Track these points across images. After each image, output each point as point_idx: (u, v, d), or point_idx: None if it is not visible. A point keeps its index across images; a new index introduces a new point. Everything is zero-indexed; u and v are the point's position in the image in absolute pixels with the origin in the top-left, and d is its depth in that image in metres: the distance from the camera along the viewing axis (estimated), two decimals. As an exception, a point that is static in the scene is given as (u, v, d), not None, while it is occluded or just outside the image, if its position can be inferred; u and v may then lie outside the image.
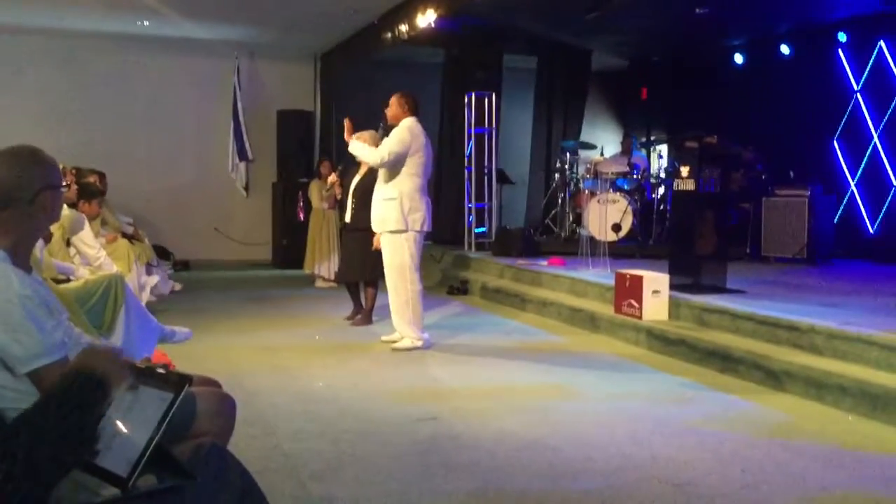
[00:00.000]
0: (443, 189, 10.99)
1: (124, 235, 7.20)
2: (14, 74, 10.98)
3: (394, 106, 6.02)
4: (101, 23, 10.46)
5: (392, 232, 5.91)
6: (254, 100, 11.98)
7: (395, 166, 5.84)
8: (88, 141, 10.87)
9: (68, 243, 5.38)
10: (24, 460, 1.25)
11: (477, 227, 10.14)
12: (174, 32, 10.70)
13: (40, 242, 4.27)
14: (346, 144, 6.23)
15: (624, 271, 6.49)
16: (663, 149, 11.34)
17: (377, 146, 5.99)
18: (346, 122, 6.27)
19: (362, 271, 6.83)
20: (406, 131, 5.88)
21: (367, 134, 6.36)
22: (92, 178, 7.45)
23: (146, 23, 10.33)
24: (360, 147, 6.05)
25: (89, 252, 5.42)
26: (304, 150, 11.94)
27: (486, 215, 10.32)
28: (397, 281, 5.94)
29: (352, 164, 7.05)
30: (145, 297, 6.12)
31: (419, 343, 5.95)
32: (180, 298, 7.73)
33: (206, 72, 11.79)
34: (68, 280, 4.61)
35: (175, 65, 11.65)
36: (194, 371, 3.28)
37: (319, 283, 9.53)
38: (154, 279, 6.80)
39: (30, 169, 2.19)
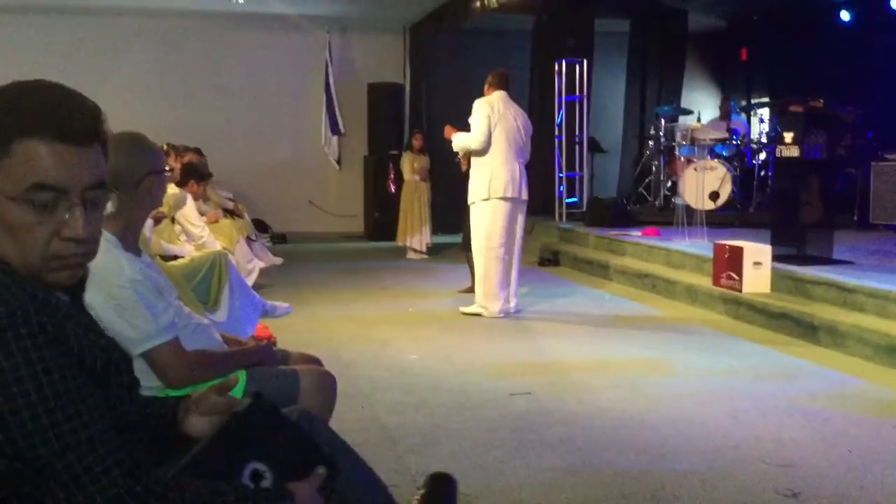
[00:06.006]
0: (533, 159, 10.82)
1: (225, 211, 7.43)
2: (114, 56, 11.39)
3: (485, 88, 6.29)
4: (197, 2, 10.74)
5: (474, 203, 6.14)
6: (345, 74, 12.10)
7: (489, 142, 6.05)
8: (187, 119, 11.22)
9: (173, 220, 5.59)
10: None
11: (568, 197, 10.01)
12: (268, 10, 10.90)
13: (149, 222, 4.46)
14: (437, 117, 6.32)
15: (723, 242, 6.30)
16: (764, 112, 10.89)
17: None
18: (447, 128, 6.50)
19: (463, 240, 7.00)
20: (479, 108, 6.09)
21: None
22: (189, 156, 7.69)
23: (241, 1, 10.54)
24: (461, 138, 6.20)
25: (193, 230, 5.63)
26: (395, 123, 12.02)
27: (577, 185, 10.18)
28: (477, 249, 6.16)
29: None
30: (252, 279, 6.30)
31: (484, 312, 6.09)
32: (278, 271, 7.94)
33: (299, 48, 11.97)
34: (175, 258, 4.79)
35: (269, 42, 11.87)
36: (295, 345, 3.39)
37: (411, 255, 9.63)
38: (261, 264, 7.03)
39: (135, 155, 2.27)
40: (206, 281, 4.10)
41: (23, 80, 1.21)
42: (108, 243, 2.18)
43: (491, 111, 6.03)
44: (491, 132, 6.01)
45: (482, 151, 6.04)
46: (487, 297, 6.11)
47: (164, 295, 2.28)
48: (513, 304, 6.26)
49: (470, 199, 6.17)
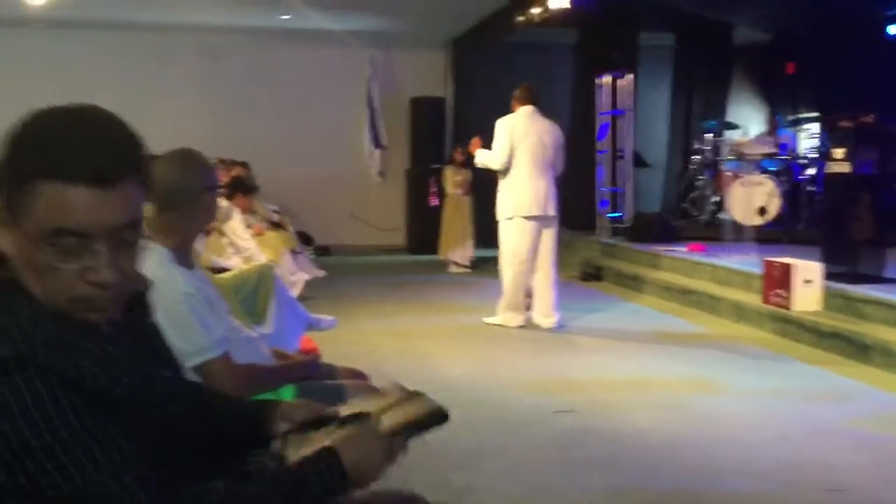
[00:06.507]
0: (575, 173, 10.78)
1: (271, 224, 7.51)
2: (162, 70, 11.62)
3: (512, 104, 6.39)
4: (243, 18, 10.92)
5: (500, 220, 6.28)
6: (387, 88, 12.19)
7: (510, 162, 6.17)
8: (233, 132, 11.37)
9: (220, 233, 5.67)
10: None
11: (611, 211, 9.94)
12: (312, 25, 11.03)
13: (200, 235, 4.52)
14: (479, 131, 6.36)
15: (772, 259, 6.19)
16: (812, 127, 10.71)
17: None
18: (474, 141, 6.61)
19: None
20: (500, 129, 6.17)
21: None
22: (236, 170, 7.79)
23: (286, 17, 10.70)
24: (484, 155, 6.36)
25: (240, 243, 5.70)
26: (437, 137, 12.06)
27: (620, 200, 10.10)
28: (504, 264, 6.30)
29: None
30: (296, 291, 6.37)
31: (501, 321, 6.26)
32: (321, 284, 7.99)
33: (342, 63, 12.08)
34: (224, 270, 4.86)
35: (313, 57, 12.01)
36: (338, 358, 3.40)
37: (452, 269, 9.62)
38: (305, 276, 7.12)
39: (190, 171, 2.31)
40: (254, 294, 4.15)
41: (55, 109, 1.13)
42: (162, 257, 2.22)
43: (512, 131, 6.14)
44: (512, 152, 6.11)
45: (504, 171, 6.18)
46: (509, 309, 6.27)
47: (215, 309, 2.31)
48: (554, 319, 6.25)
49: (497, 216, 6.31)
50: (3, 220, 1.11)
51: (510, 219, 6.18)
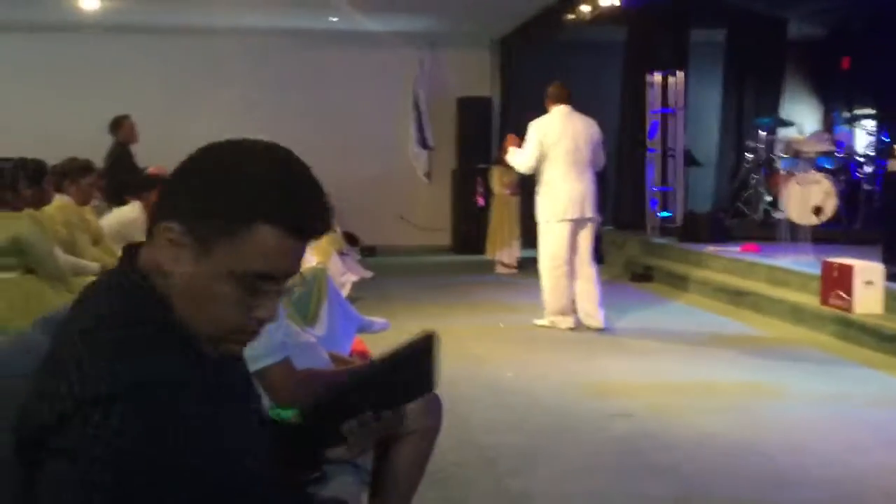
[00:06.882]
0: (624, 172, 10.68)
1: (319, 225, 7.53)
2: (210, 73, 11.75)
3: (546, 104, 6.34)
4: (291, 21, 10.99)
5: (538, 223, 6.26)
6: (434, 88, 12.17)
7: (541, 163, 6.11)
8: (281, 133, 11.19)
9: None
10: None
11: (661, 211, 9.78)
12: (359, 27, 11.07)
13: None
14: (527, 130, 6.29)
15: (832, 259, 6.02)
16: (869, 124, 10.42)
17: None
18: (508, 137, 6.59)
19: None
20: (531, 133, 6.10)
21: None
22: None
23: (335, 19, 10.74)
24: (514, 155, 6.32)
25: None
26: (483, 137, 12.02)
27: (671, 199, 9.93)
28: (542, 268, 6.23)
29: None
30: (345, 292, 6.37)
31: (550, 322, 6.20)
32: (369, 285, 8.00)
33: (390, 63, 12.10)
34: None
35: (360, 58, 12.04)
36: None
37: (499, 269, 9.56)
38: (353, 277, 7.13)
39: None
40: (307, 296, 4.15)
41: (268, 151, 1.18)
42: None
43: (544, 135, 6.05)
44: (546, 155, 6.03)
45: (537, 174, 6.16)
46: (555, 313, 6.22)
47: (274, 314, 2.30)
48: (599, 317, 6.17)
49: (537, 219, 6.28)
50: (180, 243, 1.10)
51: (547, 222, 6.14)
